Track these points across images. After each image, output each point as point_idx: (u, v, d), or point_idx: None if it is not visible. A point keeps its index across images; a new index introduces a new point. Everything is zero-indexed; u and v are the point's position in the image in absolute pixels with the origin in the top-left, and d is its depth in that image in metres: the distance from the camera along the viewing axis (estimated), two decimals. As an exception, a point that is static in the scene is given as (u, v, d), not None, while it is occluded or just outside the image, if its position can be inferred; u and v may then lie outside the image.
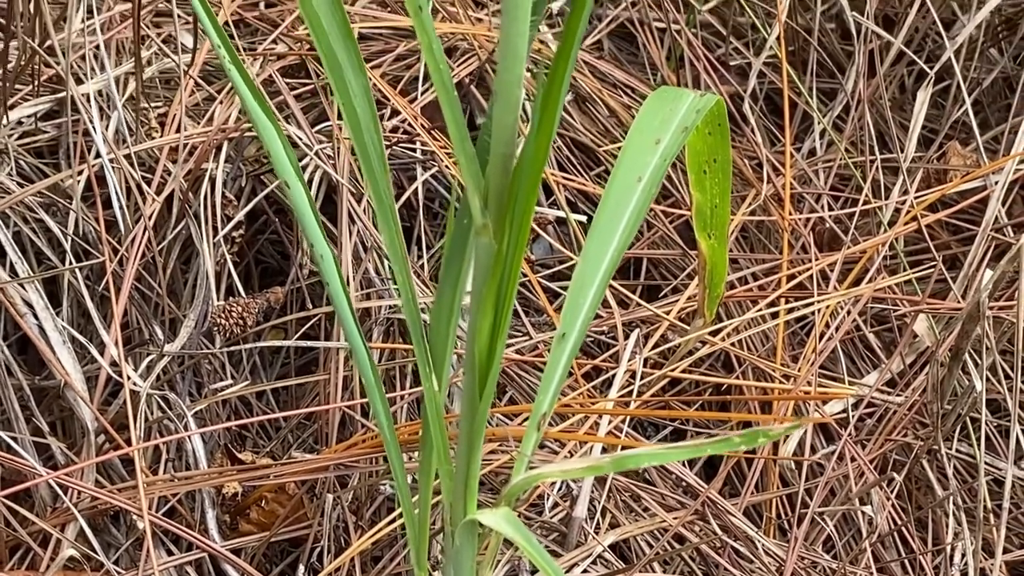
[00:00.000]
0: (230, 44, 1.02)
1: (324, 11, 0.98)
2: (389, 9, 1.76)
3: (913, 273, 1.66)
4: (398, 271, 1.02)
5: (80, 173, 1.57)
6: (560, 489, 1.48)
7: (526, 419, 1.46)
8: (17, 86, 1.63)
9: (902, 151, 1.81)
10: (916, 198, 1.74)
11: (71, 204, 1.57)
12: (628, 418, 1.53)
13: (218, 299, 1.56)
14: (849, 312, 1.63)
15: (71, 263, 1.56)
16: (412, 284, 1.02)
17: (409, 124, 1.63)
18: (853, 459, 1.55)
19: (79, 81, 1.61)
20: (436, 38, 0.93)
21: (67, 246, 1.57)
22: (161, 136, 1.61)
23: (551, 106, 0.90)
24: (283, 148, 1.02)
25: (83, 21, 1.64)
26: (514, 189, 0.93)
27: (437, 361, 1.02)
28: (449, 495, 1.05)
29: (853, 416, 1.59)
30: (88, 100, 1.59)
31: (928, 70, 1.82)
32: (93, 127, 1.57)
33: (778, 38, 1.83)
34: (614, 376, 1.53)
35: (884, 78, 1.86)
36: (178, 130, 1.60)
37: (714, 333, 1.60)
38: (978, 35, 1.91)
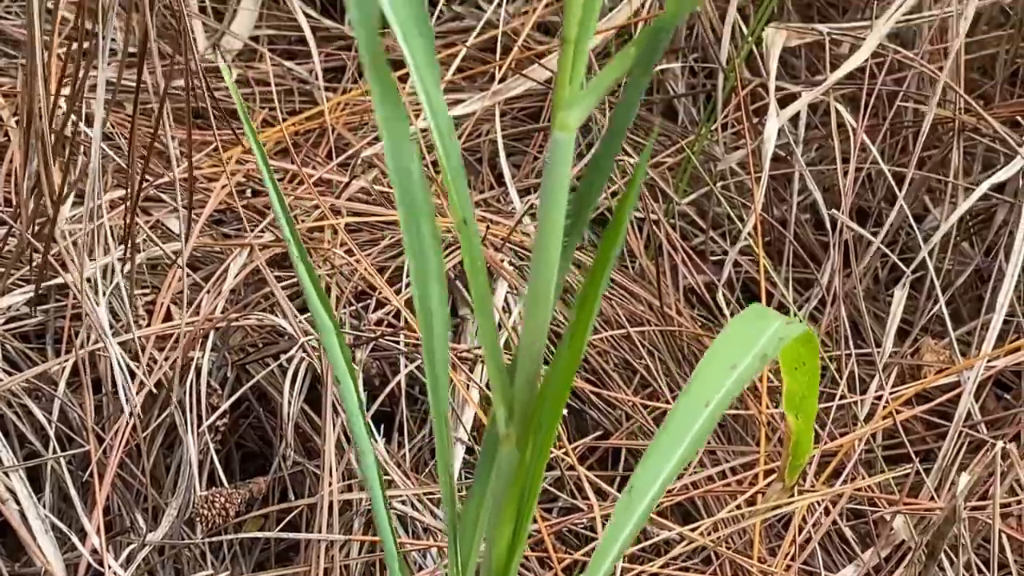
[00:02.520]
0: (299, 238, 1.03)
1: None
2: (373, 200, 1.79)
3: (891, 474, 1.68)
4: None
5: (67, 360, 1.59)
6: None
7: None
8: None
9: (877, 345, 1.84)
10: (891, 394, 1.76)
11: (56, 390, 1.58)
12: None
13: (200, 486, 1.57)
14: (828, 511, 1.65)
15: (55, 450, 1.57)
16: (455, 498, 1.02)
17: (394, 316, 1.65)
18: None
19: (66, 268, 1.63)
20: (481, 255, 0.94)
21: (51, 432, 1.58)
22: (148, 324, 1.62)
23: (580, 331, 0.91)
24: (340, 349, 1.02)
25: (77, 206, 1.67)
26: (540, 403, 0.94)
27: (464, 566, 1.02)
28: None
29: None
30: (77, 287, 1.61)
31: (904, 267, 1.86)
32: (84, 313, 1.59)
33: (754, 228, 1.86)
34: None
35: (859, 271, 1.89)
36: (165, 319, 1.62)
37: (692, 529, 1.62)
38: (951, 229, 1.95)
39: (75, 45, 1.68)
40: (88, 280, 1.63)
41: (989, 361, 1.74)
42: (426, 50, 0.91)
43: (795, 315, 1.91)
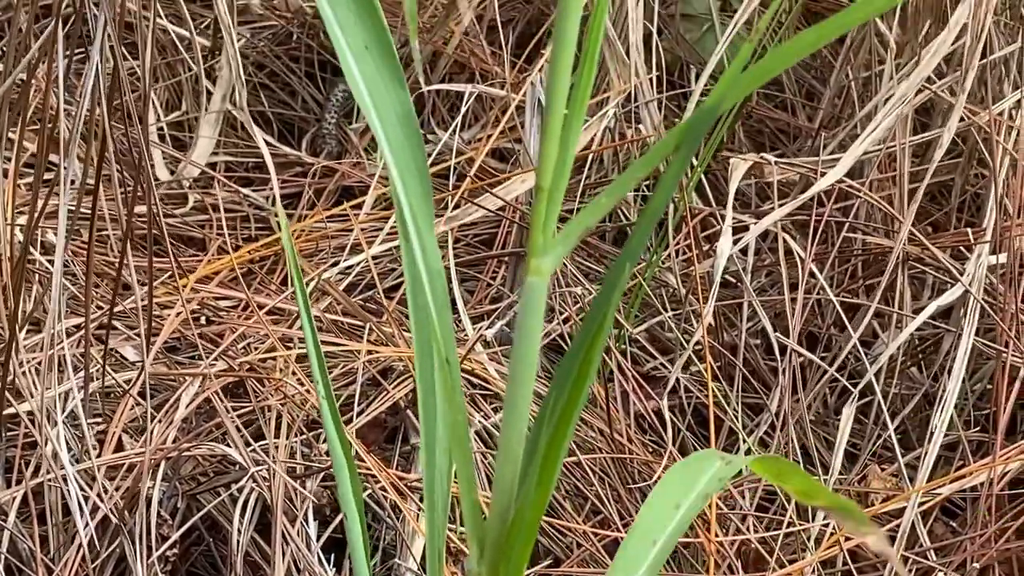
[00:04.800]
0: (329, 386, 1.04)
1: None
2: (325, 329, 1.80)
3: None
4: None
5: (17, 491, 1.59)
6: None
7: None
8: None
9: (826, 471, 1.86)
10: (839, 521, 1.78)
11: (6, 521, 1.59)
12: None
13: (150, 617, 1.57)
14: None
15: (4, 580, 1.57)
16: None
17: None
18: None
19: (20, 397, 1.64)
20: (461, 394, 0.96)
21: None
22: (100, 454, 1.63)
23: (550, 466, 0.93)
24: (351, 487, 1.03)
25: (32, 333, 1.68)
26: (511, 540, 0.95)
27: None
28: None
29: None
30: (29, 417, 1.62)
31: (852, 388, 1.88)
32: (37, 443, 1.60)
33: (703, 354, 1.88)
34: None
35: (808, 395, 1.91)
36: (117, 448, 1.63)
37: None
38: (897, 354, 1.97)
39: (34, 174, 1.70)
40: (36, 412, 1.64)
41: (934, 488, 1.76)
42: (423, 197, 0.93)
43: (744, 441, 1.93)
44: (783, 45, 0.82)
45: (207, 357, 1.73)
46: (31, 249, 1.76)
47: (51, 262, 1.74)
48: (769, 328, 1.92)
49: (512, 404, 0.95)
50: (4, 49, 1.70)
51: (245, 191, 2.05)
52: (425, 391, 0.99)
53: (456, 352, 0.96)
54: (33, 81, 1.76)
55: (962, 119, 1.95)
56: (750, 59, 2.14)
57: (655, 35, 2.15)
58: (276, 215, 2.01)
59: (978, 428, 1.96)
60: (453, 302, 1.95)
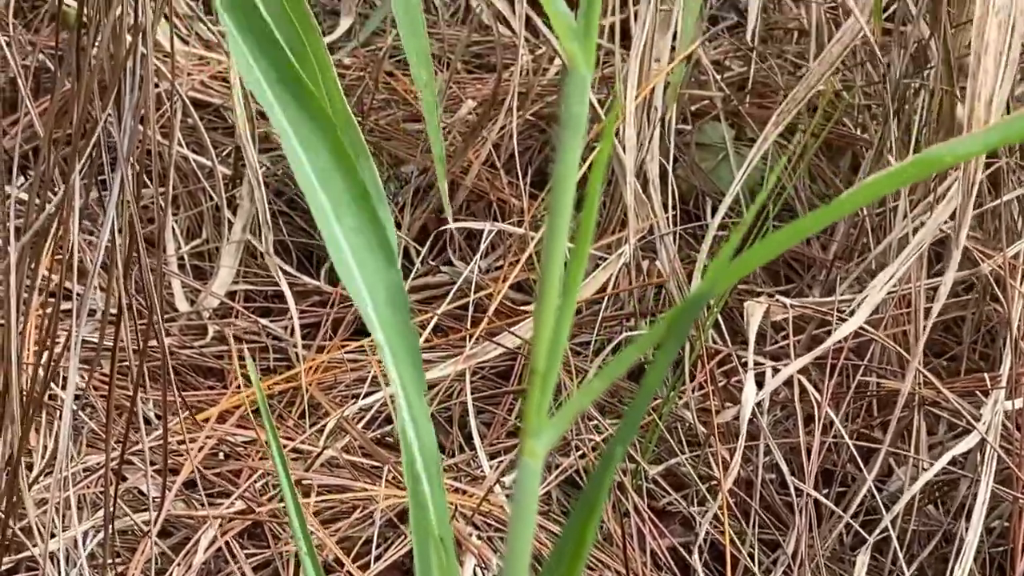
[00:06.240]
0: (313, 550, 1.04)
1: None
2: (341, 465, 1.81)
3: None
4: None
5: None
6: None
7: None
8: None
9: (841, 613, 1.86)
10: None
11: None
12: None
13: None
14: None
15: None
16: None
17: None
18: None
19: (37, 535, 1.65)
20: (457, 570, 0.97)
21: None
22: (118, 597, 1.64)
23: None
24: None
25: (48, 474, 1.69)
26: None
27: None
28: None
29: None
30: (53, 559, 1.62)
31: (867, 536, 1.88)
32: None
33: (717, 488, 1.89)
34: None
35: (824, 535, 1.92)
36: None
37: None
38: (915, 494, 1.98)
39: (52, 304, 1.71)
40: (53, 555, 1.65)
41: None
42: (414, 371, 0.93)
43: (760, 581, 1.93)
44: (774, 234, 0.82)
45: (226, 498, 1.74)
46: (52, 385, 1.77)
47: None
48: (785, 469, 1.93)
49: (514, 543, 0.94)
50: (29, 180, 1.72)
51: (264, 321, 2.06)
52: (423, 566, 0.98)
53: (451, 529, 0.97)
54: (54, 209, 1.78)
55: (974, 260, 1.96)
56: (773, 188, 2.16)
57: (671, 166, 2.17)
58: (295, 346, 2.02)
59: (996, 568, 1.96)
60: (469, 437, 1.96)
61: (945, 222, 1.96)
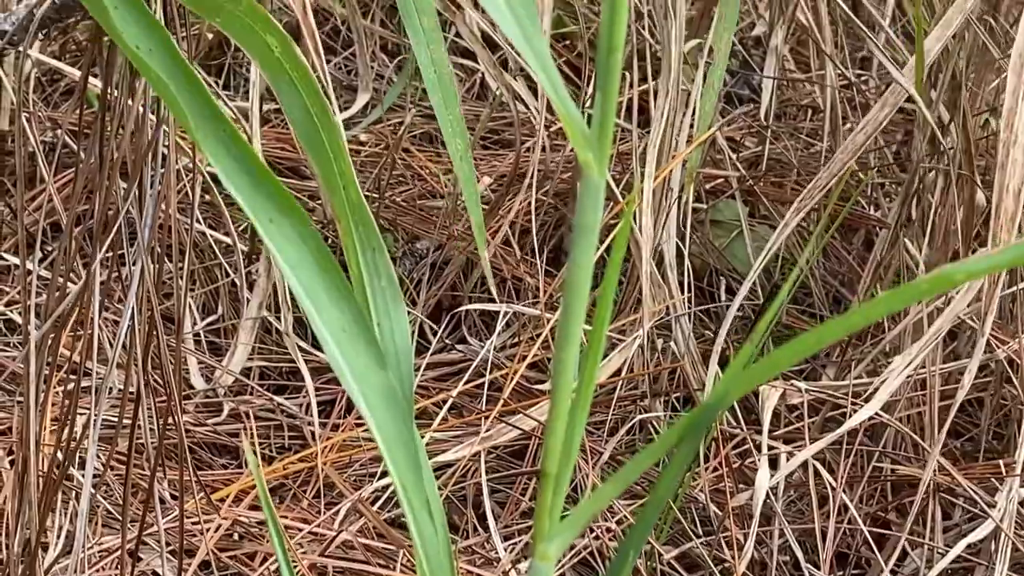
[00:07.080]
0: None
1: None
2: (357, 547, 1.81)
3: None
4: None
5: None
6: None
7: None
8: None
9: None
10: None
11: None
12: None
13: None
14: None
15: None
16: None
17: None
18: None
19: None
20: None
21: None
22: None
23: None
24: None
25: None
26: None
27: None
28: None
29: None
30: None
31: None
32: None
33: (732, 572, 1.89)
34: None
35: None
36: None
37: None
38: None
39: (72, 382, 1.72)
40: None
41: None
42: (414, 470, 0.94)
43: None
44: (778, 350, 0.82)
45: (241, 580, 1.74)
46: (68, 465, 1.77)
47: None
48: (799, 552, 1.93)
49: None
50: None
51: (279, 399, 2.07)
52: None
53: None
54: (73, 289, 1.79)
55: (990, 344, 1.97)
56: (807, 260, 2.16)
57: (687, 248, 2.17)
58: (310, 424, 2.02)
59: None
60: (484, 518, 1.96)
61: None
